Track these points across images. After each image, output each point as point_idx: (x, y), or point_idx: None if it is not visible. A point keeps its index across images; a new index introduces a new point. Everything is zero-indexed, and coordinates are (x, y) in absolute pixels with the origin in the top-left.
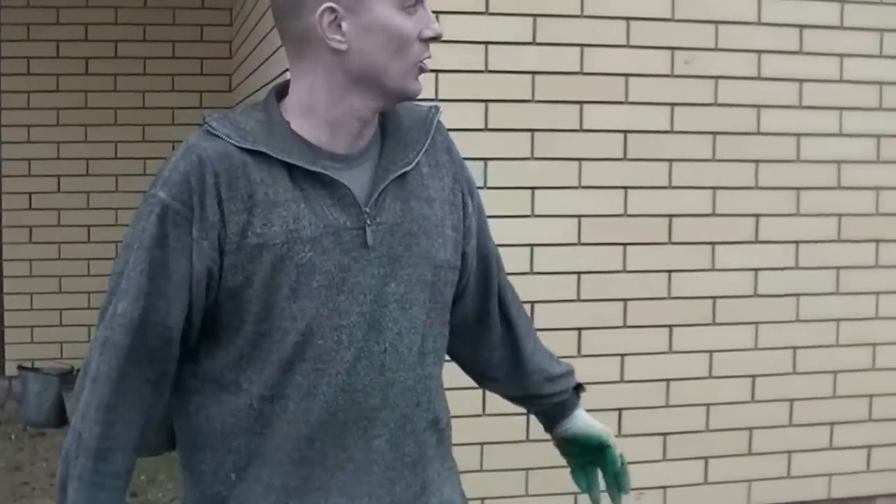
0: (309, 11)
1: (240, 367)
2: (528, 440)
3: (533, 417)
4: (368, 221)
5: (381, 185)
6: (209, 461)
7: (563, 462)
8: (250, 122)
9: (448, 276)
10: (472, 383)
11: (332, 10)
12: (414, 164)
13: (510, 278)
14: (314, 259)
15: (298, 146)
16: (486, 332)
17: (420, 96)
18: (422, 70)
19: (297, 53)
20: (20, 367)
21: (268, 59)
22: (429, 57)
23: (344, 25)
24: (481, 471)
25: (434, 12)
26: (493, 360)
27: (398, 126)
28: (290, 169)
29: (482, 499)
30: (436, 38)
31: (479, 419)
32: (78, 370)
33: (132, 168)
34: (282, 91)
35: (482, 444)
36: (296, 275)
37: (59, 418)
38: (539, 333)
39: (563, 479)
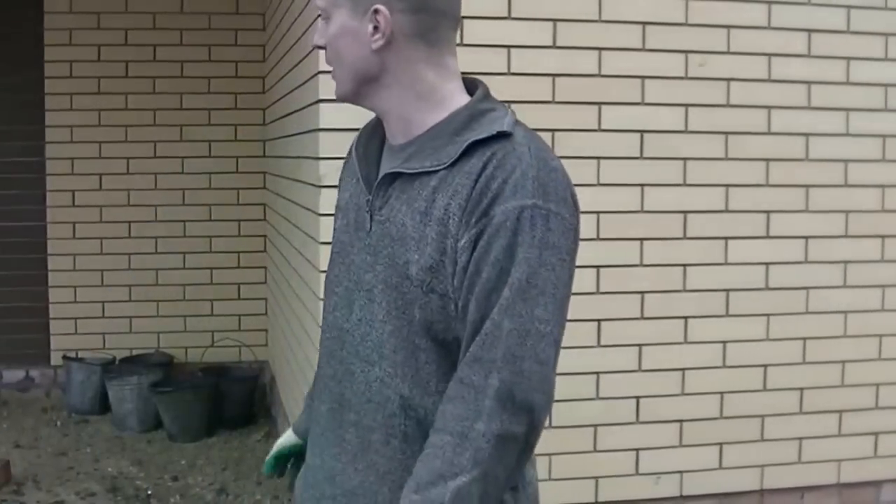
0: None
1: None
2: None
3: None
4: (367, 209)
5: (377, 179)
6: None
7: None
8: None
9: (417, 296)
10: None
11: None
12: (415, 171)
13: None
14: (340, 227)
15: (376, 136)
16: None
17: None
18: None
19: None
20: (65, 357)
21: (300, 62)
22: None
23: None
24: None
25: (460, 18)
26: None
27: (442, 134)
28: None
29: None
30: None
31: None
32: (119, 360)
33: (170, 167)
34: None
35: None
36: (334, 238)
37: (102, 406)
38: None
39: None
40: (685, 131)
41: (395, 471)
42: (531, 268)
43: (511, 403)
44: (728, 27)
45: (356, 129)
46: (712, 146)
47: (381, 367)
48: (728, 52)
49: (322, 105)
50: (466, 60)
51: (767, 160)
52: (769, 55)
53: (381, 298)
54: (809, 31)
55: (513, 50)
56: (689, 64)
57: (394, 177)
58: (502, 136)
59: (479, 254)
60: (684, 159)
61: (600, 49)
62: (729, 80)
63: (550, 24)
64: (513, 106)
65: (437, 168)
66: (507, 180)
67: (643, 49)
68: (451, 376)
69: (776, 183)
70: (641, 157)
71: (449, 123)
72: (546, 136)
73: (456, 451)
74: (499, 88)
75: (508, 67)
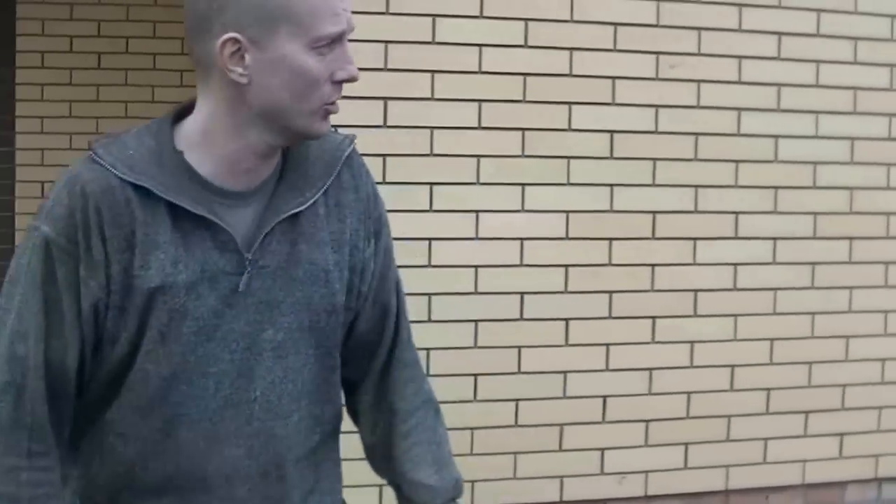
0: (213, 37)
1: (99, 406)
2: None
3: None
4: (249, 267)
5: (266, 228)
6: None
7: None
8: (140, 150)
9: (339, 320)
10: None
11: (235, 40)
12: (308, 204)
13: (504, 270)
14: (187, 304)
15: (186, 181)
16: (362, 390)
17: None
18: (328, 112)
19: (202, 77)
20: None
21: None
22: (338, 98)
23: (247, 58)
24: None
25: (432, 16)
26: (365, 419)
27: (301, 161)
28: (174, 207)
29: None
30: (350, 80)
31: None
32: None
33: None
34: (181, 113)
35: None
36: (167, 319)
37: None
38: (527, 324)
39: None
40: (655, 132)
41: (307, 483)
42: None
43: None
44: (699, 29)
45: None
46: (682, 147)
47: (300, 411)
48: (699, 54)
49: None
50: (438, 59)
51: (736, 161)
52: (739, 57)
53: (298, 347)
54: (779, 33)
55: (484, 49)
56: (661, 65)
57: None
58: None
59: (384, 255)
60: (654, 160)
61: (572, 49)
62: (699, 81)
63: (522, 23)
64: (484, 105)
65: (317, 195)
66: (372, 183)
67: (615, 50)
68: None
69: (745, 184)
70: (611, 158)
71: (297, 148)
72: (516, 135)
73: (439, 417)
74: (470, 87)
75: (480, 66)
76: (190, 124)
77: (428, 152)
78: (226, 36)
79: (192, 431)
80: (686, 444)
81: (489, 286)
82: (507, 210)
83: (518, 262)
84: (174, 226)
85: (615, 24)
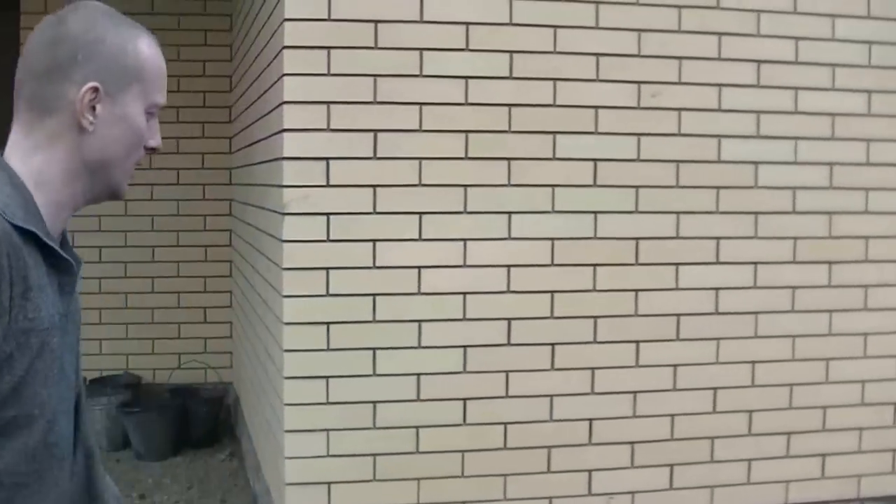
0: (73, 82)
1: None
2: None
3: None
4: (68, 310)
5: (80, 274)
6: None
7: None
8: (2, 197)
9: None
10: None
11: (95, 89)
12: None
13: (491, 297)
14: (58, 345)
15: (43, 226)
16: None
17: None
18: (130, 177)
19: (37, 119)
20: None
21: (265, 92)
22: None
23: (98, 108)
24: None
25: (419, 49)
26: None
27: None
28: (43, 251)
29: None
30: (155, 150)
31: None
32: (89, 381)
33: (140, 194)
34: None
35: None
36: (49, 360)
37: None
38: (515, 349)
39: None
40: (638, 160)
41: None
42: None
43: None
44: (679, 58)
45: (319, 159)
46: (664, 174)
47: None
48: (679, 83)
49: (286, 134)
50: (426, 91)
51: (717, 188)
52: (719, 85)
53: (79, 385)
54: (758, 61)
55: (470, 81)
56: (642, 94)
57: None
58: None
59: None
60: (636, 187)
61: (555, 80)
62: (680, 109)
63: (507, 55)
64: (471, 135)
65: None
66: None
67: (597, 80)
68: None
69: (726, 210)
70: (595, 185)
71: None
72: (502, 165)
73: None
74: (457, 118)
75: (466, 98)
76: (19, 169)
77: (417, 182)
78: (91, 84)
79: (61, 471)
80: (671, 466)
81: (477, 313)
82: (494, 238)
83: (505, 289)
84: (47, 269)
85: (597, 55)
